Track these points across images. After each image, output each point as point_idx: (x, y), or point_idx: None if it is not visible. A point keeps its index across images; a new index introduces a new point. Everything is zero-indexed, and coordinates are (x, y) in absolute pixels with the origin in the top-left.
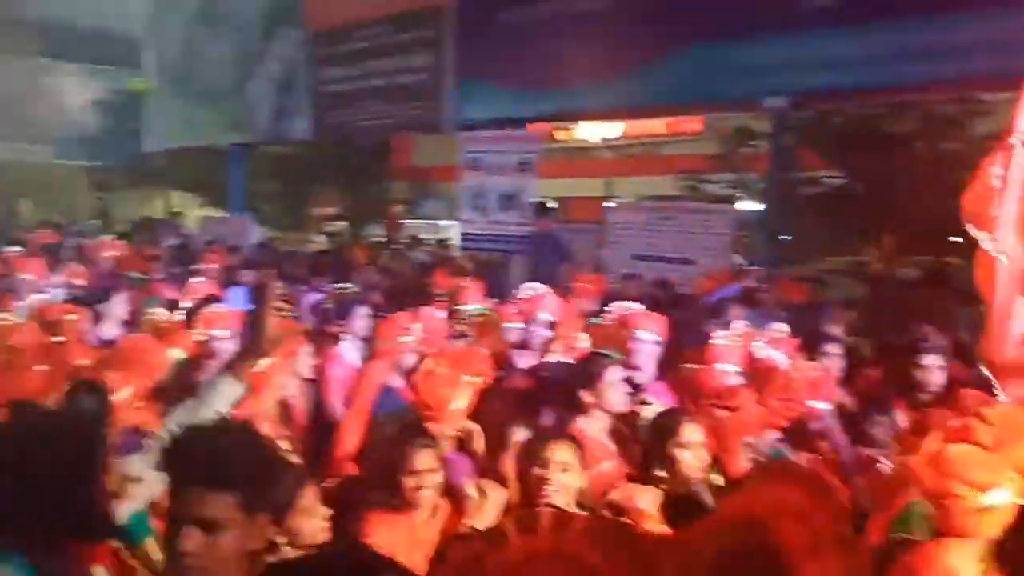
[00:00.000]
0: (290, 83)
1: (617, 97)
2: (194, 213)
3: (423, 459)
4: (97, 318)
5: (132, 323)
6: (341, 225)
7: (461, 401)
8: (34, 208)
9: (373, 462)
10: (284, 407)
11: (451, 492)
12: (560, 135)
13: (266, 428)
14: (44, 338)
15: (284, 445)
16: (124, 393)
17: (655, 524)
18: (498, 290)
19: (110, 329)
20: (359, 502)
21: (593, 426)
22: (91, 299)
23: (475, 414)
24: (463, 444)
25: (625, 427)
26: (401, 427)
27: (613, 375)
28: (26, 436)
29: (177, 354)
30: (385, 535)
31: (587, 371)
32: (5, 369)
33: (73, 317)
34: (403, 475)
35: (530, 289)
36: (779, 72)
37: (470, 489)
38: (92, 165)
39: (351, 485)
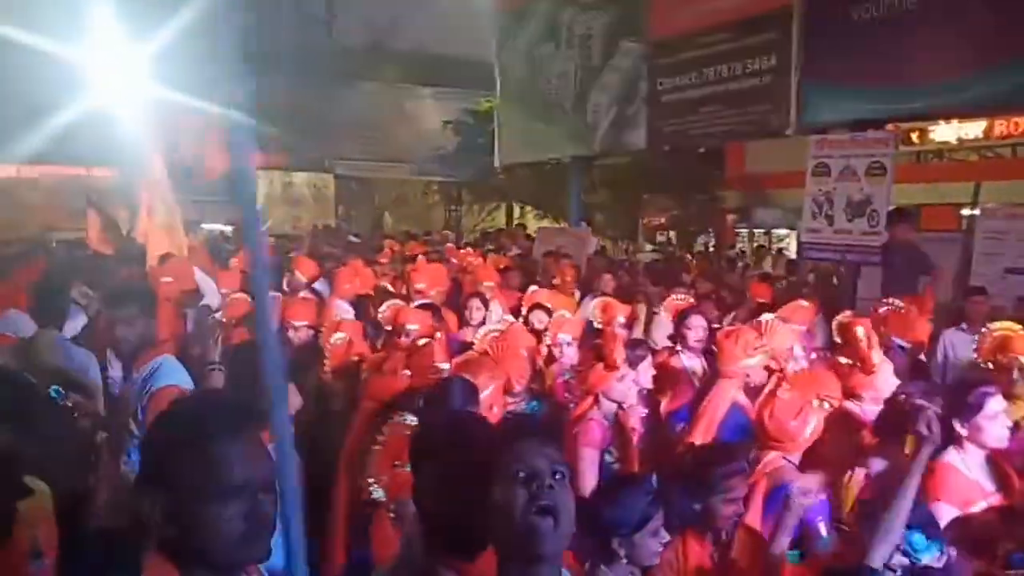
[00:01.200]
0: (629, 94)
1: (978, 94)
2: (534, 224)
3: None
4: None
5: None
6: (671, 234)
7: (808, 429)
8: (394, 220)
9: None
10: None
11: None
12: (914, 137)
13: None
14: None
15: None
16: (489, 391)
17: None
18: (842, 304)
19: (466, 333)
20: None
21: (967, 461)
22: (450, 305)
23: (823, 441)
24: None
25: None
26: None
27: (995, 406)
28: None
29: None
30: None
31: (964, 400)
32: (377, 373)
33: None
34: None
35: (885, 305)
36: None
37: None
38: (445, 180)
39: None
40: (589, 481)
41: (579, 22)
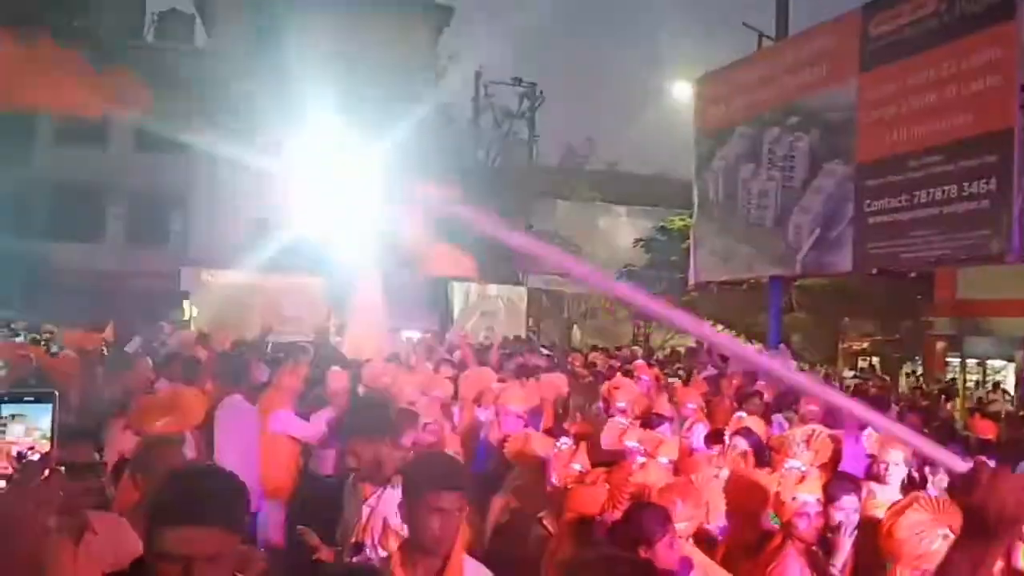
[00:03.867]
0: (833, 216)
1: None
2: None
3: None
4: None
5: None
6: (873, 360)
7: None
8: (582, 334)
9: None
10: None
11: None
12: None
13: None
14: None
15: None
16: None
17: None
18: None
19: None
20: None
21: None
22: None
23: None
24: None
25: None
26: None
27: None
28: None
29: None
30: None
31: None
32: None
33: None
34: None
35: None
36: None
37: None
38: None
39: None
40: None
41: (783, 143)
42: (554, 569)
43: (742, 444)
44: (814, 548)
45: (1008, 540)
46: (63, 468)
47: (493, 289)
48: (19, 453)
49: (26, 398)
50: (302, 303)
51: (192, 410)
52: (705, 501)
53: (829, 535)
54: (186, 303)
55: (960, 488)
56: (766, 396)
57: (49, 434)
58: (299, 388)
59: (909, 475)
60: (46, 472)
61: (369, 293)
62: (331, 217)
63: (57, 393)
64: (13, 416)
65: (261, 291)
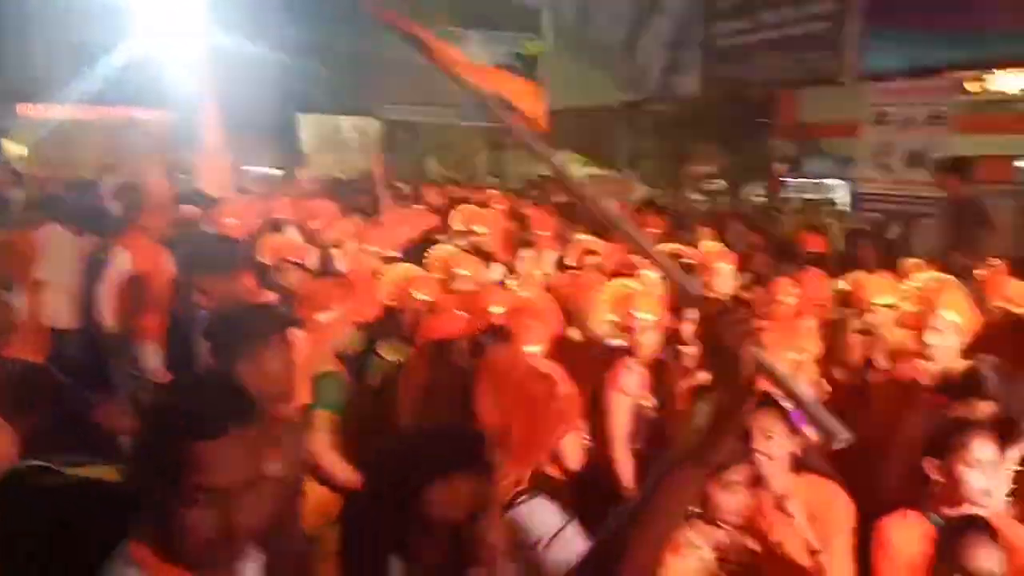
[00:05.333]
0: (680, 39)
1: None
2: (579, 171)
3: None
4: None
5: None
6: (719, 183)
7: None
8: (438, 166)
9: None
10: None
11: None
12: (971, 86)
13: None
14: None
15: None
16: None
17: None
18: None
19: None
20: None
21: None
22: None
23: None
24: None
25: None
26: None
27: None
28: None
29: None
30: None
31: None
32: (428, 313)
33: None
34: None
35: (933, 280)
36: None
37: None
38: (491, 126)
39: None
40: None
41: None
42: (412, 390)
43: (594, 261)
44: (659, 359)
45: (739, 375)
46: None
47: (345, 121)
48: None
49: None
50: (142, 139)
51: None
52: (558, 317)
53: (679, 347)
54: (3, 140)
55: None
56: None
57: None
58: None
59: None
60: None
61: (212, 128)
62: (165, 41)
63: None
64: None
65: (94, 127)
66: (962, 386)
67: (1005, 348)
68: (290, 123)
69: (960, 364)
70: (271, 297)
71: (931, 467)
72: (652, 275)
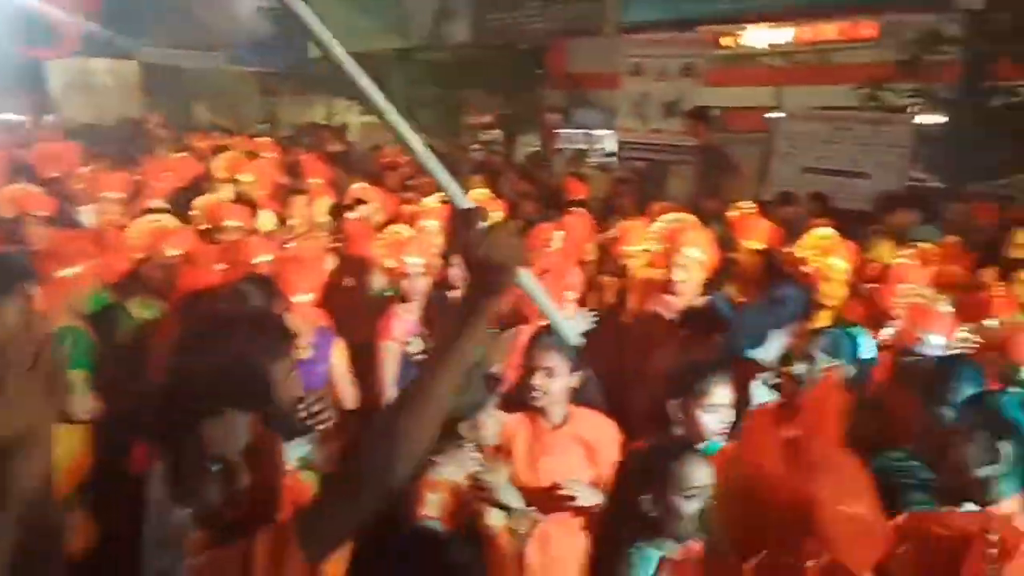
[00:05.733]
0: None
1: None
2: (355, 120)
3: None
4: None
5: None
6: (496, 134)
7: None
8: (207, 112)
9: None
10: None
11: None
12: (725, 40)
13: None
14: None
15: None
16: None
17: None
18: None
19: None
20: None
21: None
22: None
23: None
24: None
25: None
26: None
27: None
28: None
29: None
30: None
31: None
32: (184, 266)
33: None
34: None
35: (675, 221)
36: None
37: None
38: (261, 71)
39: None
40: None
41: None
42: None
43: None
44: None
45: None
46: None
47: (99, 64)
48: None
49: None
50: None
51: None
52: (325, 267)
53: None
54: None
55: (465, 242)
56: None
57: None
58: None
59: None
60: None
61: None
62: None
63: None
64: None
65: None
66: (701, 318)
67: (750, 282)
68: (35, 66)
69: (701, 300)
70: (10, 250)
71: (673, 409)
72: (430, 224)
